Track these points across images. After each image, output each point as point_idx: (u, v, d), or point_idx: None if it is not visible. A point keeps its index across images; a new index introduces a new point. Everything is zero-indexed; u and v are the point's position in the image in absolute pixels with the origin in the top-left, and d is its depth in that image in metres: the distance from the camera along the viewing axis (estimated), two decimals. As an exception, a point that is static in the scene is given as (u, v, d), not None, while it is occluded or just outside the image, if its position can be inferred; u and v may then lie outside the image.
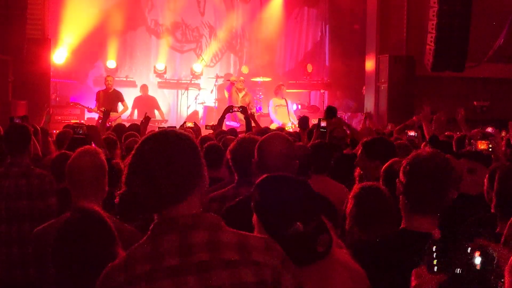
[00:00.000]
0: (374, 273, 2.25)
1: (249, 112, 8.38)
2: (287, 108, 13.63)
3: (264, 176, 2.10)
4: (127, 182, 1.88)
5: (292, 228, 1.93)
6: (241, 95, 13.64)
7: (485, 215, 3.42)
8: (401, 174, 2.52)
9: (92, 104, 12.53)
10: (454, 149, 5.67)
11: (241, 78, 14.12)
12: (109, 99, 12.29)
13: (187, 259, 1.78)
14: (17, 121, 5.27)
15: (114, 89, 12.62)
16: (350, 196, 3.16)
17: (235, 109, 8.07)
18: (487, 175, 3.44)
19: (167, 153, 1.85)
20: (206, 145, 5.26)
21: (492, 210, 3.46)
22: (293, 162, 2.93)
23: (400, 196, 2.52)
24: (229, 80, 14.34)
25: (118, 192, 1.84)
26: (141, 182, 1.85)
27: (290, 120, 13.37)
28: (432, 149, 2.57)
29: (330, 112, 7.06)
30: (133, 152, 1.91)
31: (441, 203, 2.48)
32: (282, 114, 13.43)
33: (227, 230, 1.87)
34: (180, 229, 1.82)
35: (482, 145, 4.62)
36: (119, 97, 12.60)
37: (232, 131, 7.79)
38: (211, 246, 1.81)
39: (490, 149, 4.59)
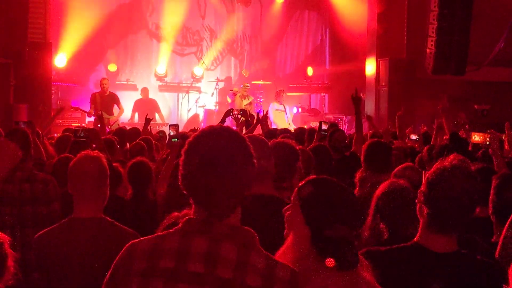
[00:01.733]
0: (382, 283, 2.24)
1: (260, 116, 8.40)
2: (285, 114, 13.64)
3: (313, 176, 2.16)
4: (186, 177, 1.84)
5: (336, 230, 1.97)
6: (245, 102, 13.60)
7: (477, 219, 3.42)
8: (424, 185, 2.32)
9: (88, 106, 12.50)
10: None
11: (247, 85, 14.03)
12: (105, 102, 12.27)
13: (211, 270, 1.75)
14: (22, 126, 5.27)
15: (110, 92, 12.63)
16: (378, 194, 3.12)
17: (236, 113, 8.08)
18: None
19: (230, 152, 1.83)
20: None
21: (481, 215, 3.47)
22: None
23: (418, 205, 2.34)
24: (231, 90, 14.27)
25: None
26: (200, 179, 1.80)
27: (288, 126, 13.39)
28: (460, 161, 2.31)
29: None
30: (187, 146, 1.86)
31: (463, 222, 2.28)
32: (280, 119, 13.44)
33: (259, 251, 1.82)
34: (213, 236, 1.80)
35: (477, 137, 4.57)
36: (115, 100, 12.58)
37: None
38: (238, 266, 1.76)
39: (488, 143, 4.54)
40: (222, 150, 1.81)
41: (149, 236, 1.86)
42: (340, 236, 1.97)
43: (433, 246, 2.26)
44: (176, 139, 4.80)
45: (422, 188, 2.32)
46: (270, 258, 1.83)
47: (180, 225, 1.84)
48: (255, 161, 1.88)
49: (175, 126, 4.92)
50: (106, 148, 5.14)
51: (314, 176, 2.18)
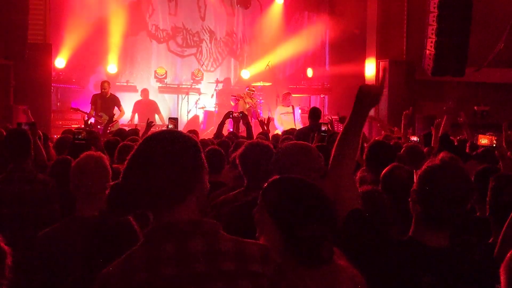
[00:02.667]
0: (374, 277, 2.25)
1: (260, 118, 8.46)
2: (293, 115, 13.63)
3: (277, 177, 2.12)
4: (125, 175, 1.86)
5: (308, 229, 1.96)
6: (248, 106, 13.57)
7: (474, 218, 3.43)
8: (415, 183, 2.36)
9: (88, 107, 12.49)
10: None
11: (253, 89, 13.94)
12: (106, 104, 12.27)
13: (184, 269, 1.76)
14: (25, 127, 5.27)
15: (111, 94, 12.64)
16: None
17: (235, 115, 8.09)
18: (473, 176, 3.44)
19: (169, 150, 1.84)
20: (207, 149, 5.29)
21: (478, 213, 3.48)
22: (316, 170, 3.00)
23: (411, 203, 2.37)
24: (234, 96, 14.21)
25: (111, 183, 1.82)
26: (140, 175, 1.83)
27: (296, 127, 13.40)
28: (450, 158, 2.35)
29: (314, 115, 7.02)
30: (135, 147, 1.91)
31: (455, 218, 2.31)
32: (288, 122, 13.46)
33: (225, 237, 1.86)
34: (178, 236, 1.80)
35: (484, 140, 4.57)
36: (115, 102, 12.59)
37: (233, 134, 7.83)
38: (209, 257, 1.78)
39: (494, 145, 4.53)
40: (156, 156, 1.84)
41: (138, 247, 1.84)
42: (312, 234, 1.95)
43: (426, 241, 2.29)
44: None
45: (414, 186, 2.34)
46: (238, 240, 1.86)
47: (144, 236, 1.85)
48: (196, 160, 1.89)
49: (174, 120, 4.79)
50: (105, 151, 5.14)
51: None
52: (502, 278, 1.68)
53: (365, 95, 2.43)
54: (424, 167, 2.37)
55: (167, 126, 4.83)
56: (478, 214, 3.51)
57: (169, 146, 1.85)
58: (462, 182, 2.28)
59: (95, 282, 1.83)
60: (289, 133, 8.05)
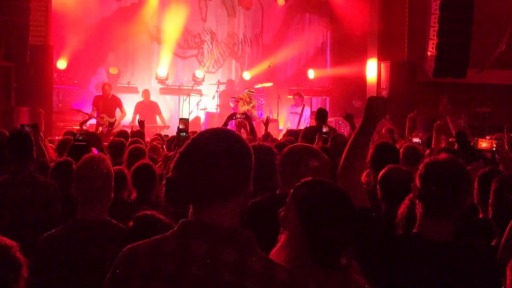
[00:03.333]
0: (382, 276, 2.27)
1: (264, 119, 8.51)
2: (301, 115, 13.68)
3: (309, 178, 2.18)
4: (177, 166, 1.85)
5: (332, 232, 1.99)
6: (247, 106, 13.56)
7: (476, 221, 3.42)
8: (417, 179, 2.46)
9: (90, 109, 12.49)
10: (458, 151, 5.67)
11: (252, 90, 13.95)
12: (108, 106, 12.28)
13: (211, 274, 1.74)
14: (26, 129, 5.26)
15: (112, 95, 12.64)
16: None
17: (238, 116, 8.08)
18: (476, 181, 3.44)
19: (229, 148, 1.83)
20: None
21: (481, 215, 3.48)
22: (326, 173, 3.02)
23: (416, 201, 2.47)
24: (233, 97, 14.21)
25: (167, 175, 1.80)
26: (194, 167, 1.81)
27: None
28: (448, 155, 2.50)
29: (324, 116, 7.01)
30: (188, 141, 1.88)
31: (457, 210, 2.41)
32: (293, 122, 13.60)
33: (258, 254, 1.82)
34: (213, 239, 1.79)
35: (484, 143, 4.57)
36: (117, 103, 12.62)
37: None
38: (237, 269, 1.76)
39: (494, 149, 4.54)
40: (215, 150, 1.83)
41: (147, 240, 1.86)
42: (335, 237, 1.99)
43: (429, 235, 2.37)
44: (184, 134, 4.71)
45: (416, 181, 2.45)
46: (270, 261, 1.83)
47: (177, 227, 1.84)
48: (250, 162, 1.90)
49: (184, 121, 4.82)
50: (106, 152, 5.14)
51: (310, 178, 2.19)
52: (509, 277, 1.69)
53: (375, 106, 2.53)
54: (423, 162, 2.48)
55: (178, 128, 4.86)
56: (481, 215, 3.50)
57: (226, 142, 1.85)
58: (461, 173, 2.39)
59: (120, 254, 1.85)
60: (291, 134, 8.05)
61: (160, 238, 1.84)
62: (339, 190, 2.12)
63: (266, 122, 8.54)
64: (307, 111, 13.96)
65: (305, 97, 14.49)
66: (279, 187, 3.29)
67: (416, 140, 7.16)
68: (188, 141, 1.89)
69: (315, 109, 15.85)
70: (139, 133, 7.55)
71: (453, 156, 2.55)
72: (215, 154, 1.81)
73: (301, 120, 13.56)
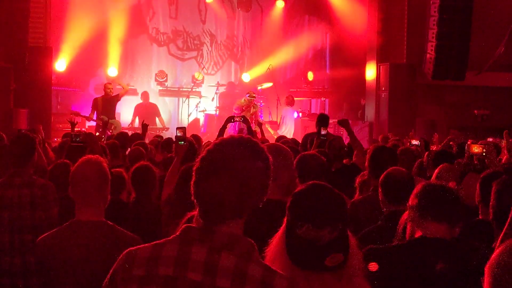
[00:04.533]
0: (393, 277, 2.28)
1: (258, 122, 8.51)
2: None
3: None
4: (196, 184, 1.82)
5: (303, 229, 1.96)
6: (249, 114, 13.56)
7: (478, 223, 3.42)
8: (411, 199, 2.55)
9: (89, 111, 12.46)
10: (455, 155, 5.70)
11: (254, 95, 13.88)
12: (109, 105, 12.23)
13: (208, 280, 1.74)
14: (25, 133, 5.26)
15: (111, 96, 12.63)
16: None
17: (237, 119, 8.07)
18: (478, 182, 3.45)
19: (251, 166, 1.80)
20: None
21: (480, 217, 3.48)
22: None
23: (409, 212, 2.55)
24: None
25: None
26: (208, 187, 1.79)
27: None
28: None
29: (324, 121, 7.03)
30: (205, 153, 1.84)
31: (455, 212, 2.50)
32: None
33: (257, 262, 1.81)
34: (213, 245, 1.78)
35: (476, 149, 4.65)
36: (117, 98, 12.56)
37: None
38: (235, 277, 1.74)
39: (484, 154, 4.60)
40: (234, 159, 1.80)
41: (147, 244, 1.86)
42: (313, 236, 1.95)
43: (432, 234, 2.43)
44: (182, 142, 4.73)
45: (410, 203, 2.54)
46: (269, 268, 1.82)
47: (178, 233, 1.84)
48: (270, 173, 1.87)
49: (182, 129, 4.85)
50: (103, 153, 5.14)
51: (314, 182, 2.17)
52: (486, 279, 1.70)
53: None
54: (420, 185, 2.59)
55: (176, 136, 4.88)
56: (480, 217, 3.51)
57: (252, 161, 1.81)
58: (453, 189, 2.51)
59: (120, 257, 1.85)
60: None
61: (162, 242, 1.84)
62: (335, 194, 2.08)
63: (259, 125, 8.52)
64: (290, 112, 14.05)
65: (295, 99, 14.64)
66: None
67: (414, 142, 7.16)
68: (202, 155, 1.84)
69: (314, 110, 15.94)
70: (138, 137, 7.53)
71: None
72: (230, 168, 1.79)
73: (282, 123, 13.64)
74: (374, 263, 2.31)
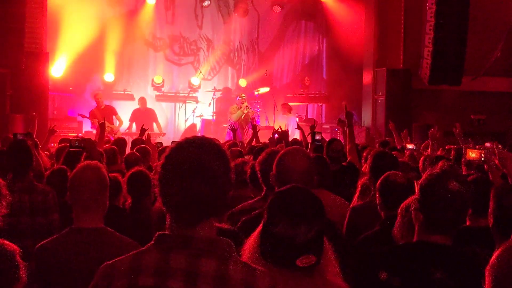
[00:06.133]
0: (387, 281, 2.27)
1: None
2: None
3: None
4: (162, 191, 1.82)
5: (279, 227, 1.97)
6: (239, 112, 13.59)
7: (478, 228, 3.41)
8: (417, 192, 2.45)
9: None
10: (452, 161, 5.69)
11: (243, 95, 14.00)
12: (104, 115, 12.24)
13: (189, 286, 1.73)
14: (20, 137, 5.25)
15: (105, 105, 12.64)
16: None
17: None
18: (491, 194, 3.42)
19: (212, 166, 1.79)
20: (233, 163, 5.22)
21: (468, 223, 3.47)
22: (312, 177, 2.92)
23: (413, 212, 2.46)
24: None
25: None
26: (177, 192, 1.78)
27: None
28: (449, 166, 2.46)
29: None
30: (164, 160, 1.83)
31: (458, 223, 2.42)
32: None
33: (237, 262, 1.81)
34: (192, 251, 1.77)
35: (473, 154, 4.62)
36: (112, 112, 12.61)
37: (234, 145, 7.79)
38: (217, 280, 1.74)
39: (483, 159, 4.58)
40: (196, 161, 1.78)
41: (126, 255, 1.84)
42: (284, 234, 1.95)
43: (432, 241, 2.38)
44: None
45: (416, 195, 2.45)
46: (248, 267, 1.82)
47: (154, 241, 1.82)
48: (233, 169, 1.87)
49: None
50: (102, 159, 5.12)
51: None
52: (487, 279, 1.70)
53: None
54: (425, 175, 2.45)
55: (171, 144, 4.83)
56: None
57: (213, 160, 1.80)
58: (462, 187, 2.36)
59: (97, 273, 1.84)
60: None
61: (139, 252, 1.82)
62: (313, 196, 2.09)
63: (254, 128, 8.46)
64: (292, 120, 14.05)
65: (291, 104, 14.64)
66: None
67: (410, 146, 7.16)
68: (170, 160, 1.82)
69: (311, 115, 15.96)
70: (140, 141, 7.46)
71: (453, 167, 2.53)
72: (195, 177, 1.77)
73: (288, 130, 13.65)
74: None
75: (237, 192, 3.38)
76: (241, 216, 3.37)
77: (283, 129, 7.72)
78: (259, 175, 3.43)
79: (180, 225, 1.81)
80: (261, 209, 3.06)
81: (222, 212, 1.87)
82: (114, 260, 1.84)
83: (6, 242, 2.11)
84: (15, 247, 2.13)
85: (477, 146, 5.85)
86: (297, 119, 15.18)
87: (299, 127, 7.58)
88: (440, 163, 2.48)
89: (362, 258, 2.46)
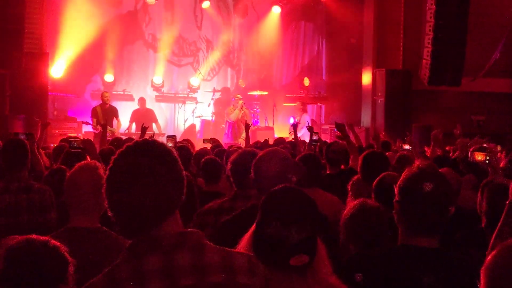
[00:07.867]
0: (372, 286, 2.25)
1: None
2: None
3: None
4: (109, 203, 1.79)
5: (271, 226, 1.97)
6: (237, 111, 13.60)
7: (473, 230, 3.41)
8: (396, 193, 2.39)
9: (88, 119, 12.47)
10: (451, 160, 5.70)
11: (238, 96, 14.01)
12: (107, 115, 12.26)
13: (171, 283, 1.73)
14: (21, 137, 5.24)
15: (110, 105, 12.65)
16: (346, 215, 3.12)
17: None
18: (479, 190, 3.43)
19: (153, 166, 1.76)
20: (204, 159, 5.29)
21: (483, 225, 3.47)
22: (289, 178, 2.90)
23: (395, 215, 2.40)
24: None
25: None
26: (121, 203, 1.76)
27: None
28: (425, 165, 2.43)
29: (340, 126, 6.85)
30: (110, 165, 1.81)
31: (440, 223, 2.34)
32: None
33: (212, 249, 1.82)
34: (164, 249, 1.76)
35: (479, 156, 4.62)
36: (114, 113, 12.61)
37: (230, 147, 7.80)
38: (196, 269, 1.75)
39: (487, 161, 4.58)
40: (142, 165, 1.76)
41: (100, 274, 1.79)
42: (277, 234, 1.96)
43: (417, 244, 2.32)
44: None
45: (396, 197, 2.38)
46: (225, 250, 1.84)
47: (126, 250, 1.80)
48: (182, 167, 1.85)
49: (172, 138, 4.81)
50: (101, 160, 5.11)
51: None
52: (482, 280, 1.69)
53: None
54: (402, 176, 2.40)
55: (166, 140, 4.83)
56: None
57: (151, 161, 1.77)
58: (441, 184, 2.31)
59: None
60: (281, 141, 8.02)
61: (113, 267, 1.78)
62: (306, 196, 2.09)
63: (246, 127, 8.41)
64: (305, 118, 13.98)
65: (290, 104, 14.65)
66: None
67: (406, 147, 7.16)
68: (119, 163, 1.80)
69: (311, 116, 15.96)
70: (131, 140, 7.48)
71: (430, 166, 2.46)
72: (137, 183, 1.74)
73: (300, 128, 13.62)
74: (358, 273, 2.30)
75: (244, 192, 3.37)
76: (207, 217, 3.37)
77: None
78: (229, 174, 3.43)
79: (143, 228, 1.79)
80: (240, 209, 3.08)
81: (173, 209, 1.82)
82: (90, 282, 1.79)
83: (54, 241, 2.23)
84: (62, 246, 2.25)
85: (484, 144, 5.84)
86: (309, 120, 15.16)
87: (310, 129, 7.49)
88: (417, 162, 2.45)
89: (346, 262, 2.44)
